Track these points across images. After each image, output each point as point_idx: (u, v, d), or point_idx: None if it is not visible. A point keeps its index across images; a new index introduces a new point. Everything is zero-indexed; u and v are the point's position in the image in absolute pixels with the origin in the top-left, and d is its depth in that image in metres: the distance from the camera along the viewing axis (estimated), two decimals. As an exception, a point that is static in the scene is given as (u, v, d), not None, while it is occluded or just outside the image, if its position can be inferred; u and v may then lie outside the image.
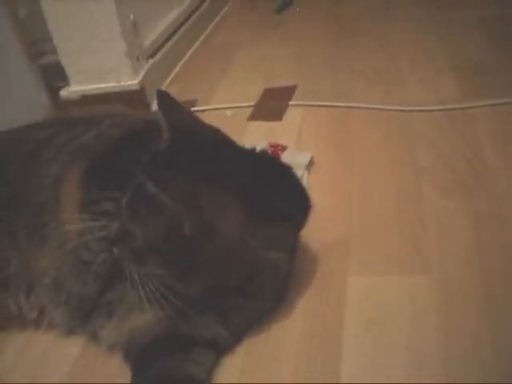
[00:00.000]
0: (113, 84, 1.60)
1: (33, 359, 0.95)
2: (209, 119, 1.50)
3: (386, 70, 1.67)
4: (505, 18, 1.85)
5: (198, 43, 2.07)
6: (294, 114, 1.51)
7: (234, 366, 0.86)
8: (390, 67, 1.68)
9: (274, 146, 1.31)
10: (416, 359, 0.82)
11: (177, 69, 1.88)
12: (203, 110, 1.60)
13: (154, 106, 1.65)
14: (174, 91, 1.74)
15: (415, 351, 0.83)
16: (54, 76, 1.69)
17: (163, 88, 1.74)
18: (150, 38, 1.76)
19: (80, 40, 1.55)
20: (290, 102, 1.56)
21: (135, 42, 1.61)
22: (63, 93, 1.65)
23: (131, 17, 1.60)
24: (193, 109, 1.60)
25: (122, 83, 1.60)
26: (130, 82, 1.60)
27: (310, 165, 1.28)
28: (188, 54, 1.98)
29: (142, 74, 1.63)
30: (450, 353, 0.82)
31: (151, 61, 1.71)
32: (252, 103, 1.59)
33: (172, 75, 1.84)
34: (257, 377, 0.84)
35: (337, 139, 1.38)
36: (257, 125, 1.49)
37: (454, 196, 1.13)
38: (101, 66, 1.58)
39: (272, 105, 1.56)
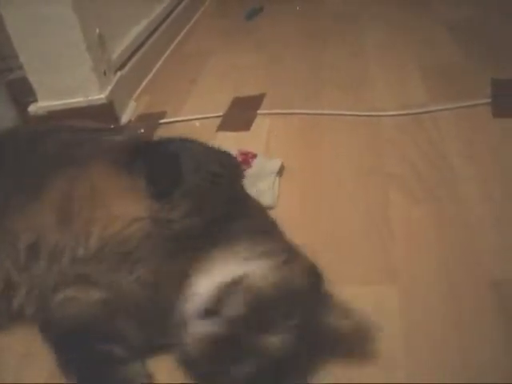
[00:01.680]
0: (80, 99, 1.58)
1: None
2: (178, 131, 1.53)
3: (355, 75, 1.68)
4: (472, 22, 1.86)
5: (167, 52, 2.07)
6: (262, 123, 1.51)
7: None
8: (359, 72, 1.69)
9: (245, 154, 1.30)
10: (382, 369, 0.82)
11: (146, 80, 1.88)
12: (172, 122, 1.59)
13: (124, 119, 1.65)
14: (143, 103, 1.74)
15: (380, 361, 0.83)
16: (23, 91, 1.67)
17: (132, 100, 1.74)
18: (118, 50, 1.75)
19: (46, 57, 1.53)
20: (259, 111, 1.55)
21: (102, 56, 1.60)
22: (31, 108, 1.63)
23: (97, 31, 1.59)
24: (162, 121, 1.60)
25: (90, 98, 1.58)
26: (98, 96, 1.58)
27: (281, 171, 1.28)
28: (158, 65, 1.98)
29: (110, 88, 1.61)
30: (415, 362, 0.82)
31: (119, 73, 1.70)
32: (221, 113, 1.58)
33: (141, 87, 1.83)
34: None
35: (306, 146, 1.38)
36: (226, 135, 1.48)
37: (420, 202, 1.13)
38: (67, 82, 1.56)
39: (240, 114, 1.55)
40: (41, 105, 1.62)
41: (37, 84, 1.59)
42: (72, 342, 0.87)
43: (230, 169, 0.98)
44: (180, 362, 0.83)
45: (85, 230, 0.88)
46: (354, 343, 0.83)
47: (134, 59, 1.83)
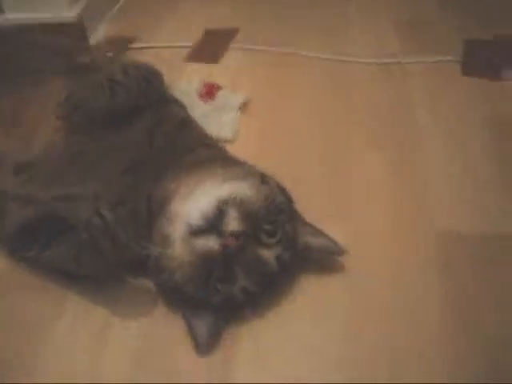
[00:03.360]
0: (49, 15, 1.54)
1: None
2: (146, 58, 1.49)
3: (332, 18, 1.66)
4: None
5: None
6: (233, 57, 1.49)
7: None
8: (337, 17, 1.67)
9: (209, 85, 1.29)
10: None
11: (120, 2, 1.82)
12: (141, 48, 1.56)
13: (93, 40, 1.61)
14: (115, 27, 1.70)
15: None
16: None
17: (104, 22, 1.70)
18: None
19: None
20: (231, 45, 1.53)
21: (73, -27, 1.55)
22: (-3, 20, 1.58)
23: None
24: (131, 46, 1.57)
25: (59, 15, 1.54)
26: (67, 14, 1.54)
27: (244, 106, 1.27)
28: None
29: (81, 6, 1.57)
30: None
31: (89, -4, 1.64)
32: (192, 43, 1.55)
33: (115, 9, 1.78)
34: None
35: (273, 84, 1.38)
36: (195, 66, 1.46)
37: (380, 148, 1.15)
38: (37, -4, 1.52)
39: (211, 47, 1.53)
40: (7, 16, 1.57)
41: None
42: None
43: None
44: (163, 286, 0.83)
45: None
46: (322, 261, 0.88)
47: (107, -21, 1.77)
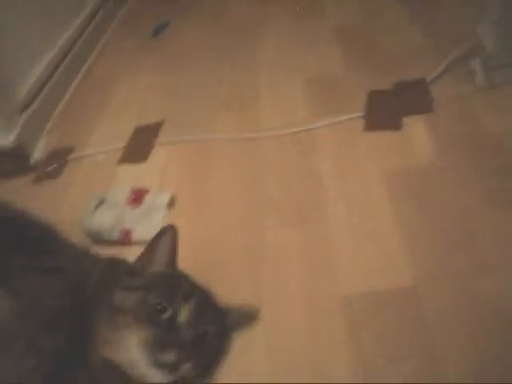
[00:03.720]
0: (-13, 144, 1.66)
1: None
2: (84, 167, 1.62)
3: (246, 95, 1.77)
4: (360, 29, 1.96)
5: (76, 82, 2.12)
6: (158, 153, 1.61)
7: None
8: (249, 91, 1.77)
9: (137, 192, 1.41)
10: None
11: (56, 113, 1.94)
12: (78, 157, 1.68)
13: (34, 158, 1.73)
14: (53, 138, 1.82)
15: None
16: None
17: (43, 137, 1.82)
18: (23, 90, 1.80)
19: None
20: (157, 140, 1.65)
21: (4, 102, 1.68)
22: None
23: (-3, 76, 1.67)
24: (68, 158, 1.69)
25: (-3, 143, 1.66)
26: (5, 139, 1.66)
27: (171, 204, 1.38)
28: (67, 96, 2.03)
29: (17, 129, 1.69)
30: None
31: (25, 114, 1.77)
32: (123, 144, 1.67)
33: (50, 123, 1.90)
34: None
35: (197, 175, 1.49)
36: (125, 168, 1.58)
37: (291, 223, 1.26)
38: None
39: (140, 145, 1.65)
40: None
41: None
42: None
43: None
44: None
45: None
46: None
47: (41, 96, 1.88)
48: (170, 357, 0.89)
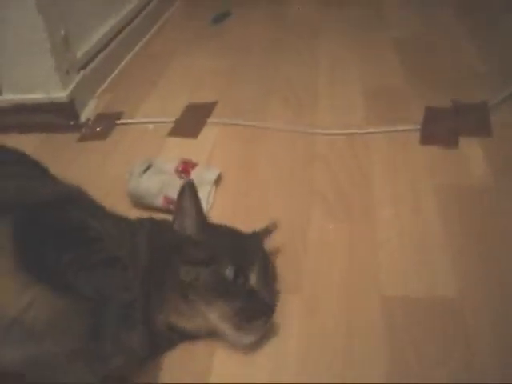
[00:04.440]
0: (43, 96, 1.67)
1: None
2: (132, 133, 1.62)
3: (303, 90, 1.78)
4: (420, 41, 1.97)
5: (132, 52, 2.15)
6: (210, 131, 1.61)
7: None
8: (308, 87, 1.79)
9: (185, 163, 1.40)
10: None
11: (109, 79, 1.96)
12: (127, 124, 1.68)
13: (83, 117, 1.74)
14: (103, 102, 1.83)
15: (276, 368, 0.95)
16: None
17: (93, 99, 1.83)
18: (83, 49, 1.82)
19: (11, 54, 1.62)
20: (208, 119, 1.65)
21: (65, 56, 1.69)
22: (-4, 100, 1.72)
23: (62, 32, 1.68)
24: (118, 122, 1.69)
25: (51, 95, 1.67)
26: (59, 94, 1.67)
27: (218, 181, 1.38)
28: (122, 64, 2.06)
29: (72, 86, 1.70)
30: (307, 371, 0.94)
31: (82, 72, 1.78)
32: (174, 118, 1.68)
33: (103, 86, 1.92)
34: None
35: (246, 158, 1.49)
36: (174, 141, 1.58)
37: (337, 220, 1.25)
38: (31, 78, 1.65)
39: (191, 121, 1.65)
40: (5, 98, 1.71)
41: (1, 77, 1.68)
42: None
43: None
44: None
45: None
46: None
47: (98, 58, 1.90)
48: (260, 322, 0.93)
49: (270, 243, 1.10)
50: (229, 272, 0.94)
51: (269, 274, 1.00)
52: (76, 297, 0.85)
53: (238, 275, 0.94)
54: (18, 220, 0.89)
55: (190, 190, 1.01)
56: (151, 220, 1.09)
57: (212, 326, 0.94)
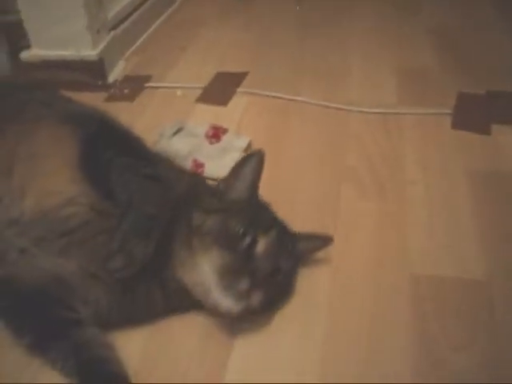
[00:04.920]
0: (72, 53, 1.65)
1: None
2: (160, 97, 1.61)
3: (335, 67, 1.76)
4: (455, 29, 1.95)
5: (162, 18, 2.13)
6: (240, 100, 1.59)
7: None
8: (339, 65, 1.77)
9: (216, 129, 1.39)
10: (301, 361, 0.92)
11: (138, 42, 1.94)
12: (155, 87, 1.67)
13: (111, 78, 1.72)
14: (132, 65, 1.81)
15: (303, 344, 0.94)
16: (17, 35, 1.72)
17: (122, 60, 1.81)
18: (114, 9, 1.81)
19: (43, 8, 1.60)
20: (238, 89, 1.64)
21: (97, 15, 1.67)
22: (24, 55, 1.69)
23: (96, -11, 1.66)
24: (146, 84, 1.68)
25: (82, 53, 1.65)
26: (89, 52, 1.65)
27: (248, 149, 1.36)
28: (151, 28, 2.04)
29: (102, 46, 1.68)
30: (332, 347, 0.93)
31: (112, 33, 1.76)
32: (203, 85, 1.66)
33: (132, 48, 1.90)
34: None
35: (276, 129, 1.47)
36: (203, 107, 1.57)
37: (367, 197, 1.23)
38: (62, 34, 1.63)
39: (221, 89, 1.64)
40: (34, 52, 1.69)
41: (32, 32, 1.66)
42: (23, 305, 0.90)
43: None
44: None
45: (20, 192, 0.91)
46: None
47: (129, 20, 1.89)
48: (242, 284, 0.86)
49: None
50: (238, 228, 0.90)
51: (284, 260, 0.94)
52: (112, 206, 0.89)
53: (246, 235, 0.90)
54: (84, 125, 0.97)
55: (257, 160, 0.98)
56: (195, 175, 1.11)
57: (202, 279, 0.89)
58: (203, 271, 0.89)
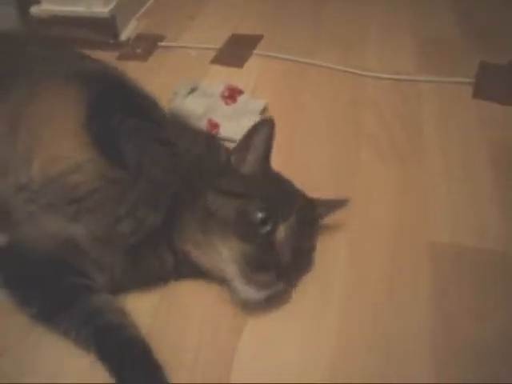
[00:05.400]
0: (83, 9, 1.61)
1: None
2: (173, 57, 1.57)
3: (353, 32, 1.72)
4: (478, 2, 1.90)
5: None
6: (255, 63, 1.56)
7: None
8: (357, 30, 1.73)
9: (232, 89, 1.35)
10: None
11: (150, 2, 1.89)
12: (170, 47, 1.63)
13: (123, 37, 1.68)
14: (144, 24, 1.77)
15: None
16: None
17: (134, 19, 1.77)
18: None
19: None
20: (254, 51, 1.60)
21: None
22: (34, 10, 1.65)
23: None
24: (159, 44, 1.64)
25: (93, 10, 1.61)
26: (101, 9, 1.61)
27: (264, 112, 1.33)
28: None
29: (114, 3, 1.64)
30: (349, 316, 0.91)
31: (125, -10, 1.72)
32: (218, 46, 1.62)
33: (145, 8, 1.85)
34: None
35: (292, 92, 1.44)
36: (218, 68, 1.53)
37: (386, 162, 1.20)
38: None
39: (236, 51, 1.60)
40: (44, 8, 1.65)
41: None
42: (31, 272, 0.88)
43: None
44: None
45: (27, 156, 0.88)
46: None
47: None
48: (267, 277, 0.83)
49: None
50: (257, 215, 0.85)
51: (305, 240, 0.90)
52: (121, 172, 0.86)
53: (265, 222, 0.85)
54: (92, 85, 0.93)
55: (267, 130, 0.91)
56: (211, 138, 1.06)
57: (222, 266, 0.86)
58: (222, 259, 0.86)
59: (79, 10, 1.62)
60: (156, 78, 1.47)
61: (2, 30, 1.23)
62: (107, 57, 1.54)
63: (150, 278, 0.92)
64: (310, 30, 1.74)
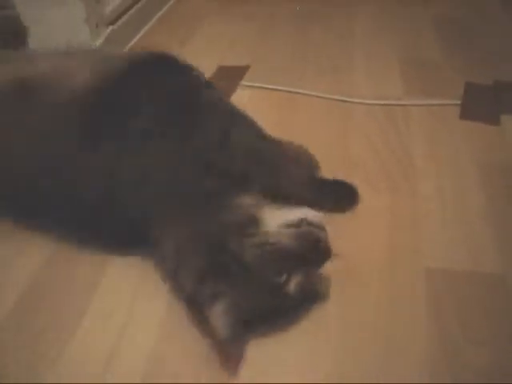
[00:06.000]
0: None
1: None
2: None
3: (338, 59, 1.73)
4: (461, 21, 1.92)
5: (161, 12, 2.10)
6: (242, 94, 1.56)
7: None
8: (342, 57, 1.74)
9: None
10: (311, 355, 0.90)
11: (137, 37, 1.91)
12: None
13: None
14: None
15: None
16: (13, 31, 1.69)
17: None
18: (113, 4, 1.78)
19: (40, 4, 1.57)
20: (241, 82, 1.61)
21: (96, 9, 1.64)
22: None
23: (94, -17, 1.63)
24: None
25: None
26: (89, 43, 1.63)
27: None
28: (150, 23, 2.01)
29: (100, 41, 1.65)
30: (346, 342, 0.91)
31: (111, 28, 1.73)
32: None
33: (131, 43, 1.87)
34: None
35: (279, 123, 1.43)
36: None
37: (378, 190, 1.20)
38: (60, 30, 1.61)
39: (223, 82, 1.60)
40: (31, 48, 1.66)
41: (29, 27, 1.63)
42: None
43: None
44: None
45: None
46: None
47: (128, 15, 1.86)
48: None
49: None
50: (281, 278, 0.88)
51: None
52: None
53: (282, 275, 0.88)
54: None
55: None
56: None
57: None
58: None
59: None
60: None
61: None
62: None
63: None
64: (295, 57, 1.75)
